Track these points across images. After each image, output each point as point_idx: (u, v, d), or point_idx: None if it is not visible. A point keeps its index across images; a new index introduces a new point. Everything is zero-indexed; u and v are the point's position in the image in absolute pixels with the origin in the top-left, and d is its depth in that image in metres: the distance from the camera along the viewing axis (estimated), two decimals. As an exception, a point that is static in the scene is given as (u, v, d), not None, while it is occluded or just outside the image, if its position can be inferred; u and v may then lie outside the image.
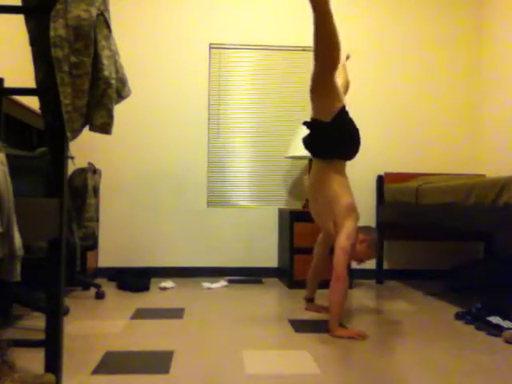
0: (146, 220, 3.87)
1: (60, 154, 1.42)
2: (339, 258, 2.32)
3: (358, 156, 3.97)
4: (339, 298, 2.29)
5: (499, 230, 2.37)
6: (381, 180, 3.91)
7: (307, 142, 2.55)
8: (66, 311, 2.65)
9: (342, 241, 2.36)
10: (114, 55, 1.47)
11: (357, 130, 2.48)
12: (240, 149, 3.97)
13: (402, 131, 4.08)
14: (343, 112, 2.41)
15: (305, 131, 3.48)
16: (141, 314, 2.65)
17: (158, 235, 3.88)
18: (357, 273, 3.89)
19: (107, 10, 1.44)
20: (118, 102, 1.51)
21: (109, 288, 3.41)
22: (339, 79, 2.80)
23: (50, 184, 1.43)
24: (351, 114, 3.98)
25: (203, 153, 3.93)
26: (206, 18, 3.94)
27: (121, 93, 1.52)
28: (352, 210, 2.43)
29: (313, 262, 2.82)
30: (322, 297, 3.10)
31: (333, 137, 2.43)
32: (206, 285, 3.48)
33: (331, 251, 2.52)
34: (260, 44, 3.98)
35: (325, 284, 3.13)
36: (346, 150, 2.48)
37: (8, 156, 1.10)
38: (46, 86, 1.41)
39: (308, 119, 3.88)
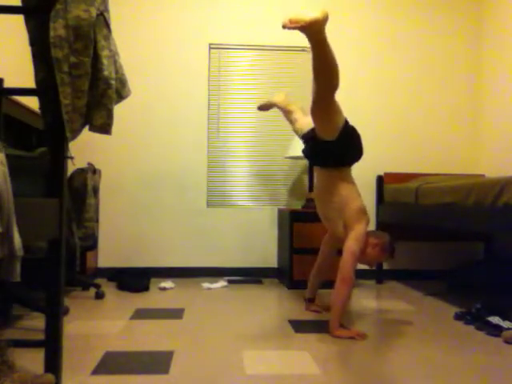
0: (146, 220, 3.87)
1: (60, 154, 1.42)
2: (347, 260, 2.33)
3: (358, 156, 3.97)
4: (343, 299, 2.30)
5: (499, 230, 2.37)
6: (380, 180, 3.91)
7: (309, 156, 2.56)
8: (66, 311, 2.65)
9: (351, 244, 2.36)
10: (114, 55, 1.47)
11: (359, 138, 2.49)
12: (240, 149, 3.97)
13: (402, 131, 4.08)
14: (347, 126, 2.40)
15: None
16: (141, 314, 2.65)
17: (157, 235, 3.88)
18: (357, 273, 3.88)
19: (107, 10, 1.44)
20: (117, 102, 1.51)
21: (108, 288, 3.41)
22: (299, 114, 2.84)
23: (50, 184, 1.43)
24: (351, 115, 4.00)
25: (203, 153, 3.93)
26: (205, 18, 3.94)
27: (121, 93, 1.52)
28: (362, 213, 2.44)
29: (317, 261, 2.82)
30: (322, 297, 3.10)
31: (338, 151, 2.43)
32: (206, 285, 3.48)
33: (339, 252, 2.53)
34: (259, 44, 3.98)
35: (327, 284, 3.14)
36: (352, 158, 2.50)
37: (8, 156, 1.10)
38: (45, 86, 1.41)
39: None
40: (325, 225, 2.68)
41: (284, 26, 2.00)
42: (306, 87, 4.01)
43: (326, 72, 2.19)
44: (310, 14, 2.00)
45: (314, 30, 2.04)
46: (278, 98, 3.01)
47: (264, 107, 3.11)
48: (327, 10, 2.05)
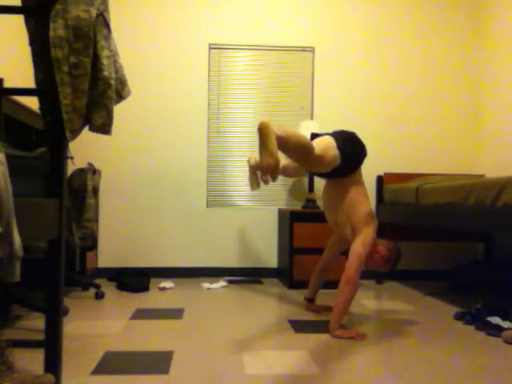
0: (146, 220, 3.87)
1: (60, 154, 1.42)
2: (353, 262, 2.34)
3: (358, 156, 3.97)
4: (346, 300, 2.30)
5: (499, 230, 2.37)
6: (380, 180, 3.91)
7: (317, 175, 2.58)
8: (66, 311, 2.65)
9: (358, 247, 2.37)
10: (114, 55, 1.47)
11: (356, 139, 2.49)
12: (240, 149, 3.97)
13: (402, 131, 4.08)
14: (341, 145, 2.39)
15: (303, 130, 3.49)
16: (140, 314, 2.65)
17: (157, 235, 3.87)
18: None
19: (107, 10, 1.44)
20: (117, 102, 1.51)
21: (108, 288, 3.41)
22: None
23: (50, 184, 1.43)
24: (351, 115, 3.99)
25: (203, 153, 3.93)
26: (205, 18, 3.94)
27: (121, 93, 1.52)
28: (371, 217, 2.45)
29: (319, 263, 2.82)
30: (323, 297, 3.10)
31: (345, 166, 2.44)
32: (206, 285, 3.48)
33: (345, 252, 2.53)
34: (259, 44, 3.98)
35: (328, 285, 3.13)
36: (359, 162, 2.51)
37: (8, 156, 1.10)
38: (45, 86, 1.41)
39: (306, 119, 3.89)
40: (332, 228, 2.69)
41: (267, 182, 2.01)
42: (306, 87, 4.01)
43: (297, 153, 2.22)
44: (265, 158, 2.00)
45: (276, 145, 2.05)
46: (252, 161, 2.93)
47: (253, 181, 2.98)
48: (265, 121, 2.04)
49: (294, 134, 2.17)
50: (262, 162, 2.01)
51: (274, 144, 2.01)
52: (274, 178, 2.02)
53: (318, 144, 2.33)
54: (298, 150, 2.20)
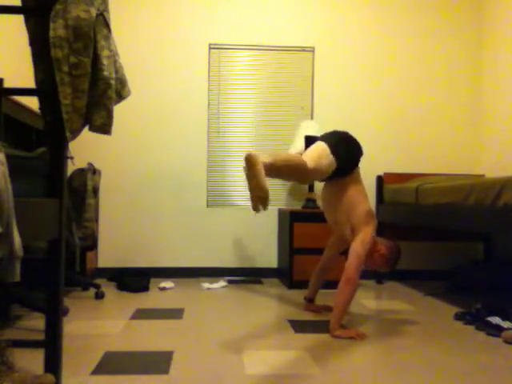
0: (146, 220, 3.87)
1: (60, 154, 1.42)
2: (352, 261, 2.34)
3: (358, 156, 3.97)
4: (346, 299, 2.30)
5: (499, 230, 2.37)
6: (380, 180, 3.91)
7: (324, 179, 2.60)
8: (66, 311, 2.65)
9: (358, 246, 2.37)
10: (114, 55, 1.47)
11: (350, 139, 2.49)
12: (240, 149, 3.97)
13: (402, 131, 4.08)
14: (334, 149, 2.40)
15: (303, 130, 3.48)
16: (140, 314, 2.65)
17: (157, 235, 3.87)
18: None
19: (107, 10, 1.44)
20: (117, 102, 1.51)
21: (108, 288, 3.41)
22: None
23: (50, 184, 1.43)
24: (351, 115, 3.99)
25: (203, 153, 3.93)
26: (205, 19, 3.94)
27: (121, 93, 1.52)
28: (370, 216, 2.45)
29: (319, 264, 2.82)
30: (323, 297, 3.10)
31: (343, 167, 2.45)
32: (206, 285, 3.48)
33: (344, 252, 2.53)
34: (259, 44, 3.98)
35: (328, 284, 3.13)
36: (356, 161, 2.51)
37: (8, 156, 1.10)
38: (45, 86, 1.41)
39: (306, 119, 3.90)
40: (332, 228, 2.69)
41: (258, 210, 2.07)
42: (306, 87, 4.01)
43: (290, 174, 2.25)
44: (255, 190, 2.03)
45: (265, 175, 2.07)
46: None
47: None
48: (251, 153, 2.06)
49: (283, 157, 2.19)
50: (252, 194, 2.04)
51: (262, 175, 2.03)
52: (265, 207, 2.05)
53: (309, 157, 2.34)
54: (290, 172, 2.23)
